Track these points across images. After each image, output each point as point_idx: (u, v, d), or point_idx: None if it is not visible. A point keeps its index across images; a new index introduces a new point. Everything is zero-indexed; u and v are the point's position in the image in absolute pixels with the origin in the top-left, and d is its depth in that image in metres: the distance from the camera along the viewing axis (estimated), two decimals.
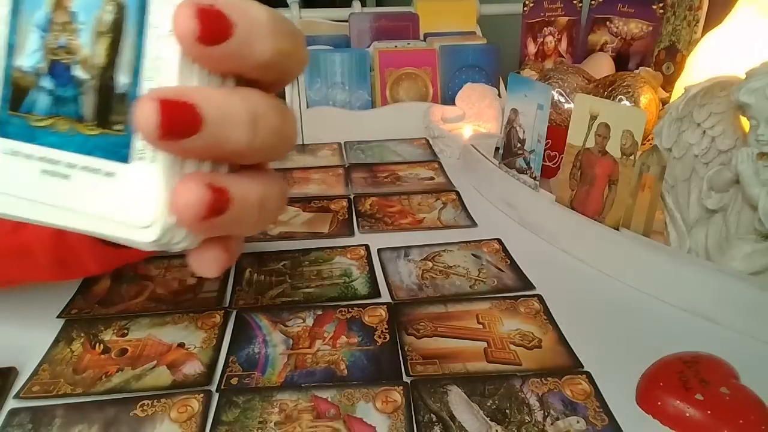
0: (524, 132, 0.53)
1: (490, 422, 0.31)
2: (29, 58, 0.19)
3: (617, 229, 0.45)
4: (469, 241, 0.51)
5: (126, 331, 0.39)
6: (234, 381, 0.34)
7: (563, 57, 0.84)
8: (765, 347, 0.37)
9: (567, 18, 0.83)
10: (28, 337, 0.38)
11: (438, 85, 0.83)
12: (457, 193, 0.61)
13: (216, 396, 0.33)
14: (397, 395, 0.33)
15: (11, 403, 0.33)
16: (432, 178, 0.65)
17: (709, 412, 0.30)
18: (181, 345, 0.37)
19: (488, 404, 0.32)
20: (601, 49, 0.81)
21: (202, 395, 0.33)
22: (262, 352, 0.37)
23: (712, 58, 0.52)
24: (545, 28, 0.84)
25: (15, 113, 0.19)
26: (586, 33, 0.83)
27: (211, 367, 0.35)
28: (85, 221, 0.19)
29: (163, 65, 0.18)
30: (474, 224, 0.55)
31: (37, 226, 0.31)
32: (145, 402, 0.32)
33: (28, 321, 0.39)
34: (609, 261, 0.45)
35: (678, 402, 0.31)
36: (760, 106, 0.38)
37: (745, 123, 0.41)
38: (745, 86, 0.39)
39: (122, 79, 0.18)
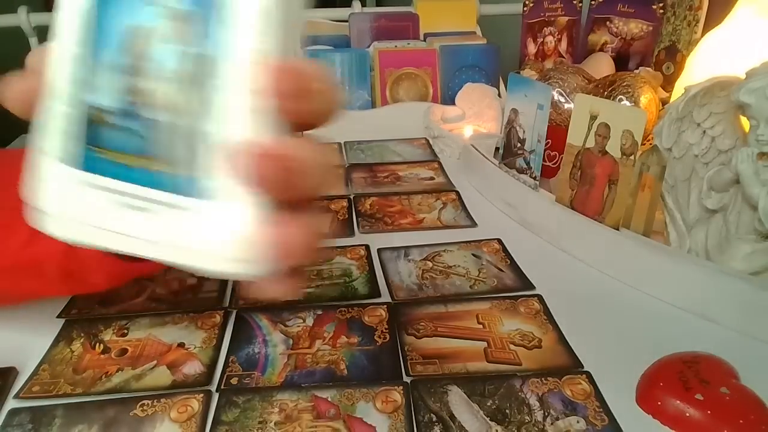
0: (524, 132, 0.53)
1: (490, 422, 0.31)
2: (107, 98, 0.20)
3: (617, 229, 0.45)
4: (469, 241, 0.51)
5: (126, 331, 0.39)
6: (234, 381, 0.34)
7: (563, 57, 0.84)
8: (765, 347, 0.37)
9: (567, 18, 0.83)
10: (28, 337, 0.38)
11: (438, 85, 0.83)
12: (457, 193, 0.61)
13: (216, 396, 0.33)
14: (397, 395, 0.33)
15: (11, 403, 0.33)
16: (432, 178, 0.65)
17: (709, 412, 0.30)
18: (181, 345, 0.37)
19: (488, 404, 0.32)
20: (601, 49, 0.81)
21: (202, 395, 0.33)
22: (262, 352, 0.37)
23: (712, 58, 0.52)
24: (545, 28, 0.84)
25: (91, 148, 0.20)
26: (586, 33, 0.83)
27: (211, 367, 0.35)
28: (165, 251, 0.20)
29: (243, 115, 0.19)
30: (474, 224, 0.55)
31: (48, 241, 0.31)
32: (145, 402, 0.32)
33: (28, 321, 0.39)
34: (609, 261, 0.45)
35: (678, 402, 0.31)
36: (760, 106, 0.38)
37: (745, 123, 0.41)
38: (745, 86, 0.39)
39: (202, 125, 0.19)
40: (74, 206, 0.21)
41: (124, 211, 0.20)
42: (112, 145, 0.20)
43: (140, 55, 0.19)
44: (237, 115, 0.19)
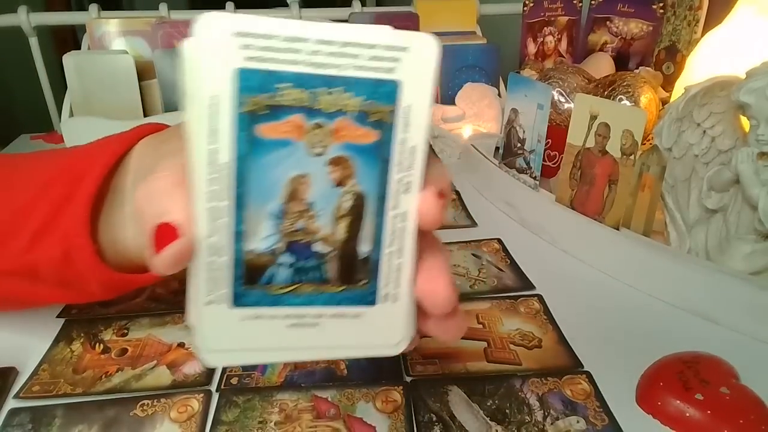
0: (524, 132, 0.53)
1: (490, 422, 0.31)
2: (264, 241, 0.21)
3: (617, 229, 0.45)
4: (469, 241, 0.51)
5: (126, 331, 0.39)
6: (234, 381, 0.34)
7: (563, 57, 0.84)
8: (765, 347, 0.37)
9: (567, 18, 0.83)
10: (28, 337, 0.38)
11: (438, 85, 0.83)
12: (457, 193, 0.60)
13: (216, 396, 0.33)
14: (397, 395, 0.33)
15: (11, 403, 0.33)
16: None
17: (709, 412, 0.30)
18: (181, 345, 0.37)
19: (488, 404, 0.32)
20: (601, 49, 0.81)
21: (202, 395, 0.33)
22: None
23: (712, 58, 0.52)
24: (545, 28, 0.84)
25: (251, 286, 0.22)
26: (586, 33, 0.83)
27: (210, 367, 0.35)
28: (334, 352, 0.24)
29: (401, 236, 0.22)
30: (474, 224, 0.55)
31: (46, 247, 0.31)
32: (145, 402, 0.32)
33: (28, 321, 0.39)
34: (609, 261, 0.45)
35: (678, 402, 0.31)
36: (760, 105, 0.38)
37: (745, 123, 0.41)
38: (745, 86, 0.39)
39: (364, 248, 0.22)
40: (243, 338, 0.22)
41: (293, 331, 0.22)
42: (273, 280, 0.22)
43: (299, 200, 0.21)
44: (386, 235, 0.22)
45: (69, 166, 0.32)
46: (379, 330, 0.23)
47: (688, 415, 0.30)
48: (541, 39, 0.84)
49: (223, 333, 0.22)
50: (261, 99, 0.20)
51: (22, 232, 0.31)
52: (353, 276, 0.22)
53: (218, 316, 0.22)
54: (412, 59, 0.21)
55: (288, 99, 0.20)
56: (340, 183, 0.21)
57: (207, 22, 0.19)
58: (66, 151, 0.35)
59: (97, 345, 0.37)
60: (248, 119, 0.20)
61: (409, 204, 0.22)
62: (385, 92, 0.20)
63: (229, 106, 0.19)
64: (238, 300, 0.22)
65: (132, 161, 0.31)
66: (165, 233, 0.20)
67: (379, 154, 0.21)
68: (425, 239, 0.23)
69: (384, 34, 0.20)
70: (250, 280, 0.21)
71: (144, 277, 0.33)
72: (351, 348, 0.23)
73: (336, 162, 0.21)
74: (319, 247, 0.22)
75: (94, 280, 0.32)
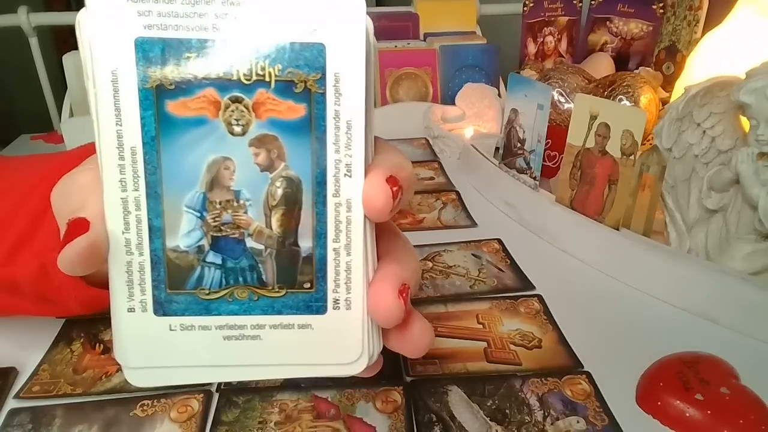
0: (524, 132, 0.53)
1: (490, 422, 0.31)
2: (186, 238, 0.19)
3: (617, 229, 0.45)
4: (469, 241, 0.51)
5: None
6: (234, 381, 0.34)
7: (563, 57, 0.84)
8: (765, 347, 0.37)
9: (567, 18, 0.83)
10: (28, 337, 0.38)
11: (438, 85, 0.83)
12: (457, 193, 0.61)
13: (216, 396, 0.33)
14: (397, 395, 0.33)
15: (11, 403, 0.33)
16: (432, 178, 0.65)
17: (709, 412, 0.30)
18: None
19: (488, 404, 0.32)
20: (601, 49, 0.81)
21: (202, 395, 0.33)
22: None
23: (712, 58, 0.52)
24: (545, 28, 0.84)
25: (178, 291, 0.19)
26: (586, 33, 0.83)
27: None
28: (281, 370, 0.20)
29: (347, 229, 0.19)
30: (474, 224, 0.55)
31: (25, 262, 0.30)
32: (145, 402, 0.32)
33: (28, 321, 0.39)
34: (609, 261, 0.45)
35: (678, 402, 0.31)
36: (760, 106, 0.38)
37: (745, 123, 0.41)
38: (745, 86, 0.39)
39: (306, 244, 0.19)
40: (171, 353, 0.20)
41: (229, 344, 0.20)
42: (201, 283, 0.19)
43: (223, 188, 0.19)
44: (330, 228, 0.19)
45: (47, 175, 0.30)
46: (332, 344, 0.20)
47: (688, 415, 0.30)
48: (541, 39, 0.84)
49: (148, 347, 0.19)
50: (166, 72, 0.18)
51: (1, 243, 0.31)
52: (295, 278, 0.19)
53: (141, 326, 0.19)
54: (337, 18, 0.18)
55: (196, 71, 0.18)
56: (268, 166, 0.19)
57: None
58: (51, 159, 0.34)
59: (97, 345, 0.37)
60: (154, 95, 0.18)
61: (354, 190, 0.19)
62: (308, 57, 0.18)
63: (131, 82, 0.17)
64: (163, 307, 0.19)
65: None
66: (77, 229, 0.18)
67: (311, 131, 0.18)
68: (383, 235, 0.21)
69: None
70: (175, 284, 0.19)
71: None
72: (300, 365, 0.20)
73: (260, 141, 0.18)
74: (252, 244, 0.19)
75: (71, 296, 0.31)
